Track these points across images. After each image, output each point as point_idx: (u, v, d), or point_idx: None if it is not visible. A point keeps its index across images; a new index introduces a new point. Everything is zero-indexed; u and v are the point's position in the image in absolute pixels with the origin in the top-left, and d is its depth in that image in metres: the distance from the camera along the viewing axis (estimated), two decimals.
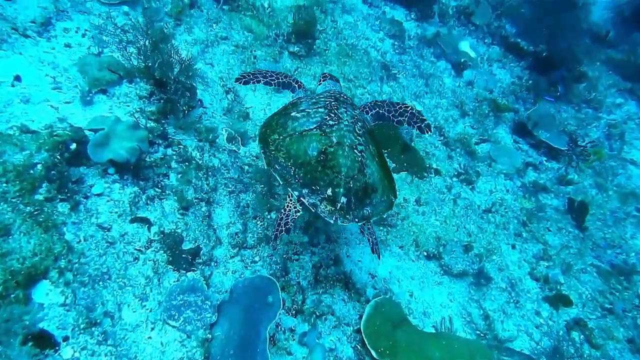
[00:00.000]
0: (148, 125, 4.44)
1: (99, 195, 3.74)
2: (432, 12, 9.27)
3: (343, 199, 3.50)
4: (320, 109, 3.88)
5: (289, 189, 3.61)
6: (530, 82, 9.06)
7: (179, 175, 4.33)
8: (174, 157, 4.43)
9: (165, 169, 4.30)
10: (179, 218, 4.06)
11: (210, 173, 4.55)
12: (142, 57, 4.56)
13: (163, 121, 4.63)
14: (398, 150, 6.03)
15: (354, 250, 4.77)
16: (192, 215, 4.15)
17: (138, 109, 4.54)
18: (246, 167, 4.86)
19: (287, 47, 6.64)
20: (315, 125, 3.73)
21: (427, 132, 4.29)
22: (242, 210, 4.48)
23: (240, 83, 4.51)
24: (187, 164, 4.45)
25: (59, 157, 3.61)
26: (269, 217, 4.54)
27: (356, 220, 3.58)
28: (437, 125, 6.94)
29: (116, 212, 3.73)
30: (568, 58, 9.47)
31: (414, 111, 4.32)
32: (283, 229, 3.56)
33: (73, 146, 3.72)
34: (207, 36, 6.08)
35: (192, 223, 4.09)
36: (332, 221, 3.52)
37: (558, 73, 9.30)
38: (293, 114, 3.91)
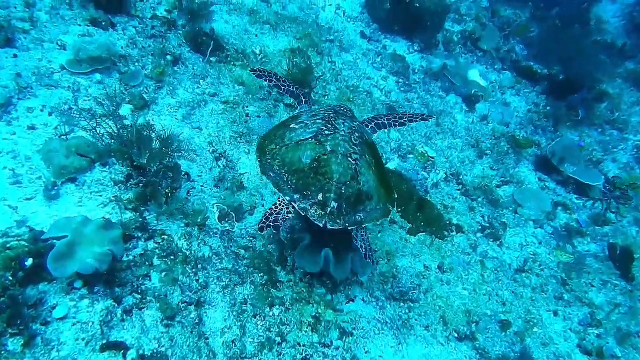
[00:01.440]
0: (125, 217, 3.83)
1: (62, 319, 3.11)
2: (436, 41, 8.71)
3: (334, 204, 3.62)
4: (318, 121, 4.04)
5: (281, 194, 3.73)
6: (548, 108, 8.42)
7: (163, 274, 3.69)
8: (157, 251, 3.81)
9: (146, 269, 3.67)
10: (162, 332, 3.40)
11: (200, 266, 3.91)
12: (117, 135, 3.99)
13: (143, 208, 4.01)
14: (413, 208, 5.36)
15: (374, 342, 4.07)
16: (179, 325, 3.50)
17: (113, 198, 3.93)
18: (242, 252, 4.22)
19: (282, 99, 6.05)
20: (311, 135, 3.88)
21: (431, 118, 4.95)
22: (239, 308, 3.81)
23: (254, 74, 4.80)
24: (172, 258, 3.82)
25: (11, 278, 3.00)
26: (271, 313, 3.86)
27: (347, 225, 3.67)
28: (453, 171, 6.27)
29: (83, 340, 3.09)
30: (586, 79, 8.79)
31: (412, 113, 4.82)
32: (272, 223, 3.60)
33: (29, 262, 3.11)
34: (193, 96, 5.52)
35: (178, 336, 3.43)
36: (321, 225, 3.61)
37: (577, 96, 8.61)
38: (292, 125, 4.07)
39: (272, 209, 3.72)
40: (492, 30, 9.27)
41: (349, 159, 3.77)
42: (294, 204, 3.68)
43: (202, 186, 4.71)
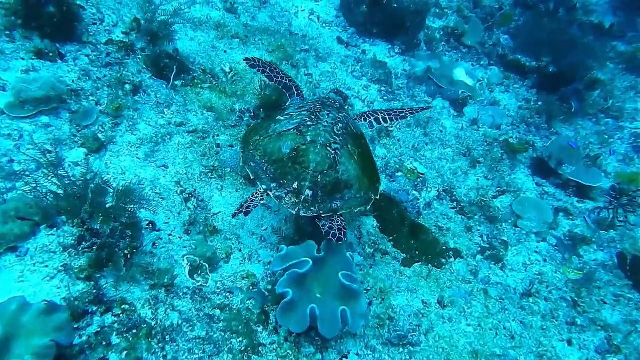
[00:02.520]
0: (76, 289, 3.33)
1: None
2: (417, 41, 8.22)
3: (308, 192, 3.76)
4: (303, 112, 4.17)
5: (258, 183, 3.90)
6: (539, 103, 7.96)
7: (124, 354, 3.20)
8: (116, 326, 3.32)
9: (103, 350, 3.19)
10: None
11: (168, 338, 3.42)
12: (63, 193, 3.48)
13: (98, 275, 3.51)
14: (406, 235, 4.91)
15: None
16: None
17: (61, 267, 3.43)
18: (217, 313, 3.74)
19: None
20: (293, 126, 4.00)
21: (430, 108, 5.21)
22: None
23: (247, 64, 4.94)
24: (134, 332, 3.34)
25: None
26: None
27: (321, 212, 3.79)
28: (446, 186, 5.81)
29: None
30: (577, 68, 8.36)
31: (412, 108, 4.96)
32: (243, 210, 3.77)
33: None
34: (156, 130, 5.00)
35: None
36: (294, 212, 3.75)
37: (569, 88, 8.18)
38: (278, 117, 4.21)
39: (249, 198, 3.86)
40: (475, 24, 8.79)
41: (328, 148, 3.87)
42: (269, 192, 3.84)
43: (169, 235, 4.22)
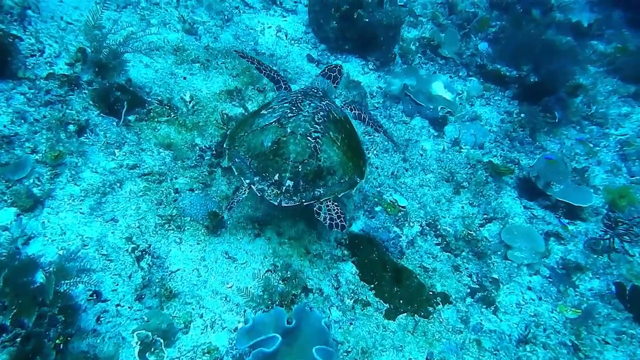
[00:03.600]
0: None
1: None
2: (392, 54, 7.77)
3: (289, 183, 3.86)
4: (285, 104, 4.25)
5: (242, 178, 4.00)
6: (522, 115, 7.59)
7: None
8: None
9: None
10: None
11: None
12: None
13: None
14: (388, 281, 4.46)
15: None
16: None
17: None
18: None
19: (219, 163, 5.02)
20: (275, 119, 4.08)
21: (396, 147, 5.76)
22: None
23: (237, 54, 5.23)
24: None
25: None
26: None
27: (303, 201, 3.89)
28: (429, 219, 5.37)
29: None
30: (558, 75, 8.01)
31: (385, 131, 5.04)
32: (229, 207, 3.97)
33: None
34: (104, 177, 4.44)
35: None
36: (276, 203, 3.84)
37: (552, 97, 7.84)
38: (262, 111, 4.30)
39: (235, 195, 4.03)
40: (451, 34, 8.40)
41: (308, 138, 3.95)
42: (252, 186, 3.94)
43: (117, 305, 3.68)
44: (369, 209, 5.22)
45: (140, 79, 5.65)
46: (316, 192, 3.95)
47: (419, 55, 8.12)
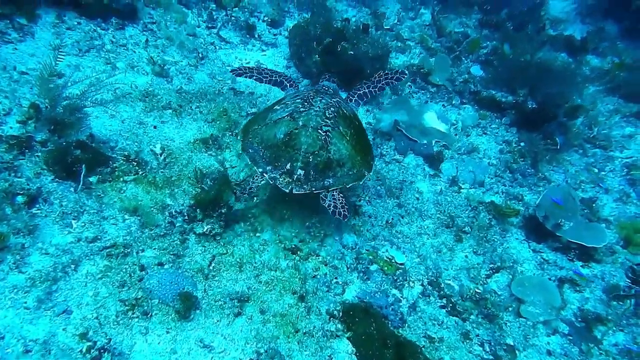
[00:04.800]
0: None
1: None
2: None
3: (300, 172, 4.13)
4: (297, 100, 4.51)
5: (255, 167, 4.30)
6: (522, 144, 7.11)
7: None
8: None
9: None
10: None
11: None
12: None
13: None
14: (390, 358, 3.86)
15: None
16: None
17: None
18: None
19: (192, 229, 4.45)
20: (287, 114, 4.35)
21: (404, 76, 5.43)
22: None
23: (235, 74, 5.38)
24: None
25: None
26: None
27: (313, 189, 4.16)
28: (431, 276, 4.83)
29: None
30: (556, 98, 7.54)
31: (385, 73, 5.32)
32: (246, 192, 4.28)
33: None
34: (56, 259, 3.86)
35: None
36: (287, 191, 4.12)
37: (553, 124, 7.38)
38: (275, 107, 4.56)
39: (250, 181, 4.29)
40: (442, 59, 7.94)
41: (319, 131, 4.18)
42: (265, 175, 4.20)
43: None
44: (363, 270, 4.67)
45: (104, 132, 5.11)
46: (326, 181, 4.17)
47: (408, 84, 7.65)
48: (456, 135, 7.06)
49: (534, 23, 10.27)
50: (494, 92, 7.65)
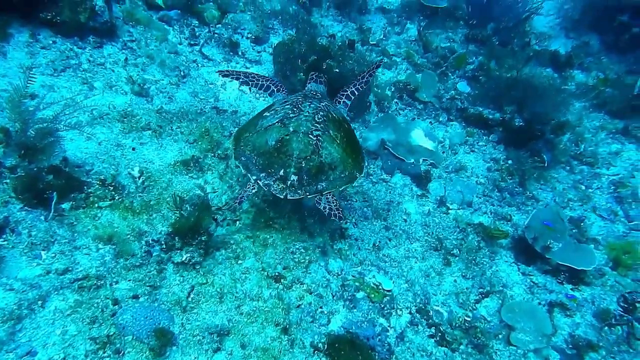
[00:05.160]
0: None
1: None
2: (367, 102, 7.18)
3: (293, 177, 4.13)
4: (287, 106, 4.53)
5: (249, 175, 4.26)
6: (509, 162, 7.03)
7: None
8: None
9: None
10: None
11: None
12: None
13: None
14: None
15: None
16: None
17: None
18: None
19: (170, 258, 4.25)
20: (278, 120, 4.34)
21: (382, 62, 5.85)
22: None
23: (220, 75, 5.35)
24: None
25: None
26: None
27: (307, 194, 4.17)
28: (419, 303, 4.68)
29: None
30: (543, 116, 7.50)
31: (368, 70, 5.35)
32: (239, 201, 4.17)
33: None
34: (21, 295, 3.65)
35: None
36: (282, 197, 4.12)
37: (540, 141, 7.32)
38: (265, 113, 4.58)
39: (243, 190, 4.22)
40: (428, 76, 7.88)
41: (310, 135, 4.20)
42: (259, 182, 4.18)
43: None
44: (349, 297, 4.51)
45: (79, 155, 4.90)
46: (319, 185, 4.18)
47: (395, 101, 7.57)
48: (444, 153, 6.97)
49: (519, 38, 10.27)
50: (481, 109, 7.58)
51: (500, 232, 5.47)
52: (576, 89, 9.20)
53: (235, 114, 6.34)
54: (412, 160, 6.37)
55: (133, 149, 5.27)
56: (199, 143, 5.56)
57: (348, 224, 5.28)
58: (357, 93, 5.25)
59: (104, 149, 5.12)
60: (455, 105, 7.70)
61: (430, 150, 6.75)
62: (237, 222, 4.87)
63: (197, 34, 7.01)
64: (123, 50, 6.15)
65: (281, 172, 4.12)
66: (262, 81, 5.29)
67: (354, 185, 4.57)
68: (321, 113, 4.45)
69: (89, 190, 4.59)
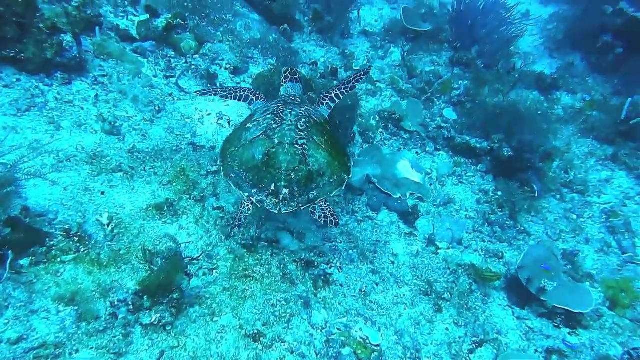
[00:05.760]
0: None
1: None
2: (351, 133, 6.94)
3: (285, 191, 4.09)
4: (268, 116, 4.45)
5: (240, 192, 4.23)
6: (499, 193, 6.81)
7: None
8: None
9: None
10: None
11: None
12: None
13: None
14: None
15: None
16: None
17: None
18: None
19: (138, 319, 3.90)
20: (261, 132, 4.29)
21: (369, 69, 5.41)
22: None
23: (198, 95, 5.39)
24: None
25: None
26: None
27: (300, 205, 4.15)
28: (409, 358, 4.36)
29: None
30: (531, 144, 7.32)
31: (355, 75, 5.21)
32: (237, 224, 4.18)
33: None
34: None
35: None
36: (276, 211, 4.09)
37: (530, 172, 7.13)
38: (248, 125, 4.52)
39: (239, 211, 4.20)
40: (413, 104, 7.68)
41: (296, 145, 4.15)
42: (251, 198, 4.14)
43: None
44: (334, 355, 4.19)
45: (42, 202, 4.55)
46: (310, 195, 4.16)
47: (380, 131, 7.33)
48: (431, 185, 6.73)
49: (504, 59, 10.16)
50: (468, 139, 7.39)
51: (492, 274, 5.21)
52: (564, 114, 9.08)
53: (213, 149, 6.04)
54: (399, 195, 6.11)
55: (102, 193, 4.94)
56: (174, 184, 5.25)
57: (332, 268, 4.98)
58: (341, 97, 5.14)
59: (70, 195, 4.77)
60: (442, 134, 7.50)
61: (418, 183, 6.51)
62: (214, 271, 4.54)
63: (173, 65, 6.73)
64: (94, 86, 5.84)
65: (272, 187, 4.08)
66: (239, 92, 5.19)
67: (343, 188, 4.48)
68: (303, 120, 4.40)
69: (52, 242, 4.25)
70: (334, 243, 5.31)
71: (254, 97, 5.17)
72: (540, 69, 9.92)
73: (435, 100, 8.44)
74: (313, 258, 4.89)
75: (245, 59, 7.28)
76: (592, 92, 9.80)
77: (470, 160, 7.32)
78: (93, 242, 4.42)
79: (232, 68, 7.02)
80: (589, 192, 7.62)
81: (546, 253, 5.55)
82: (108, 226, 4.63)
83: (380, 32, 9.88)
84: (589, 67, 11.04)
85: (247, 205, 4.18)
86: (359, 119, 7.15)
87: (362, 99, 7.81)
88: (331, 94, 5.16)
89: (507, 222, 6.43)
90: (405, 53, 9.03)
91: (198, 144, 6.03)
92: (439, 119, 7.88)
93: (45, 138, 5.07)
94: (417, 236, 5.72)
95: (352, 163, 4.83)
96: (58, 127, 5.33)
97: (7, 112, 5.13)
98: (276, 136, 4.20)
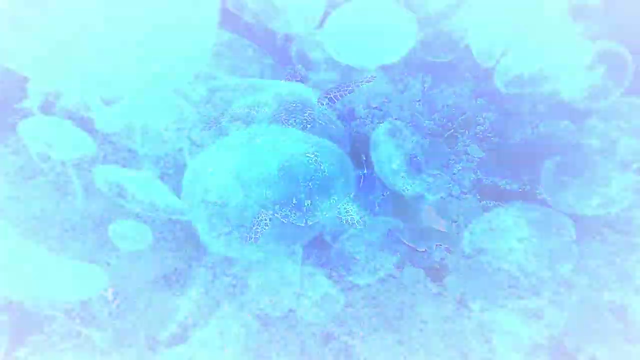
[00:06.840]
0: None
1: None
2: (373, 179, 6.54)
3: (307, 202, 4.20)
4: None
5: (262, 209, 4.21)
6: (533, 239, 6.28)
7: None
8: None
9: None
10: None
11: None
12: None
13: None
14: None
15: None
16: None
17: None
18: None
19: None
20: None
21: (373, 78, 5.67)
22: None
23: None
24: None
25: None
26: None
27: (324, 212, 4.23)
28: None
29: None
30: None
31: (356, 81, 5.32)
32: (254, 237, 4.22)
33: None
34: None
35: None
36: (303, 224, 4.19)
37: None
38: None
39: (258, 225, 4.28)
40: (436, 145, 7.25)
41: (308, 155, 4.27)
42: (276, 215, 4.16)
43: None
44: None
45: None
46: (331, 200, 4.25)
47: (402, 175, 6.90)
48: (458, 234, 6.25)
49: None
50: (497, 180, 6.89)
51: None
52: (601, 144, 8.49)
53: None
54: (424, 249, 5.65)
55: None
56: None
57: (354, 342, 4.53)
58: (339, 98, 5.21)
59: None
60: (468, 175, 7.02)
61: (444, 232, 6.05)
62: None
63: None
64: None
65: (294, 200, 4.15)
66: None
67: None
68: (309, 126, 4.56)
69: None
70: (355, 308, 4.88)
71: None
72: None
73: (459, 136, 8.00)
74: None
75: None
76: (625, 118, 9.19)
77: (500, 203, 6.81)
78: None
79: None
80: (632, 233, 7.00)
81: None
82: None
83: (398, 63, 9.55)
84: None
85: (267, 221, 4.30)
86: (379, 162, 6.77)
87: (380, 140, 7.42)
88: (329, 95, 5.27)
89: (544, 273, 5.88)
90: (426, 87, 8.64)
91: None
92: (463, 156, 7.43)
93: None
94: (446, 295, 5.23)
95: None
96: None
97: None
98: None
